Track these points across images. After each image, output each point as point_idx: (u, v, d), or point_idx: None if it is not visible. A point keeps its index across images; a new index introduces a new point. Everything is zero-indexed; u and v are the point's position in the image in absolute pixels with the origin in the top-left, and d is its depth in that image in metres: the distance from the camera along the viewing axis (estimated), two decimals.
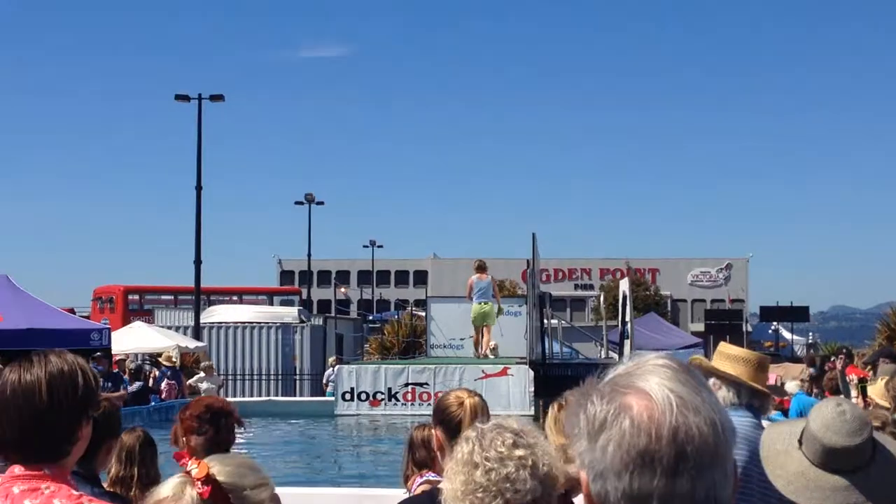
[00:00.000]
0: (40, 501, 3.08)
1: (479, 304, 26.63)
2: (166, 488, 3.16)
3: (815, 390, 17.31)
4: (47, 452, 3.20)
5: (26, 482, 3.12)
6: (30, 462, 3.16)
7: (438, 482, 5.20)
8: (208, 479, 3.10)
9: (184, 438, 5.39)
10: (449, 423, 4.57)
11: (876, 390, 12.26)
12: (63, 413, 3.20)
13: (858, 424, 3.85)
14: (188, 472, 3.14)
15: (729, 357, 4.97)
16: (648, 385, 1.78)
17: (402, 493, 5.94)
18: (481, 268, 27.07)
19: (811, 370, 21.46)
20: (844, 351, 21.73)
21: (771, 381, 23.36)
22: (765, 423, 6.07)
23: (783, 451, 3.95)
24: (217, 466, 3.18)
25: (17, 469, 3.15)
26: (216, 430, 5.11)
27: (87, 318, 45.11)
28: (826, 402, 4.08)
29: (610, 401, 1.79)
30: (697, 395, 1.78)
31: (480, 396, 4.73)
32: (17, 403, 3.17)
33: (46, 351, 3.29)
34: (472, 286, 26.95)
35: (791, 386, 18.40)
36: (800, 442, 3.92)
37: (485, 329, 26.77)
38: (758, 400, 5.19)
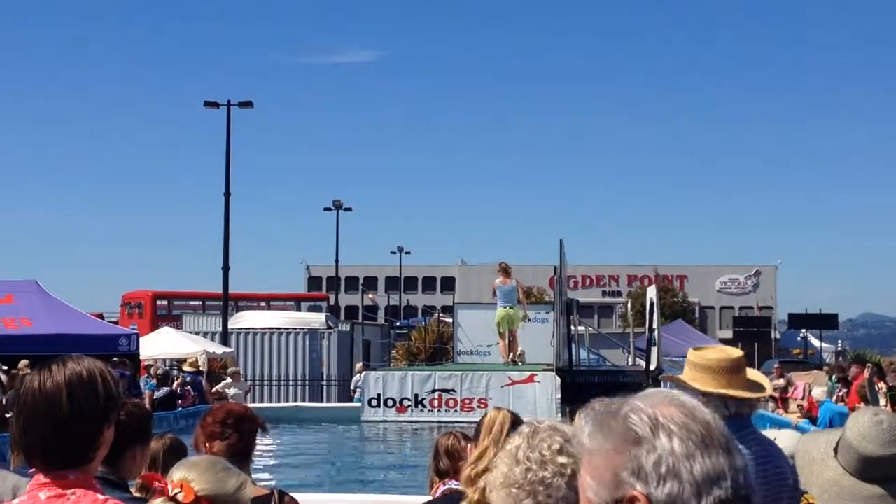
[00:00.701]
0: None
1: (504, 308, 26.38)
2: None
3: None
4: (70, 459, 3.20)
5: (52, 489, 3.12)
6: (54, 468, 3.17)
7: (460, 492, 5.24)
8: (199, 502, 3.12)
9: (207, 444, 5.40)
10: (476, 433, 4.64)
11: None
12: (85, 419, 3.19)
13: (895, 434, 3.84)
14: (172, 498, 3.15)
15: (698, 367, 4.84)
16: (666, 397, 1.87)
17: (426, 499, 5.96)
18: (505, 271, 26.71)
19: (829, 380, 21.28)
20: (873, 362, 21.64)
21: (799, 390, 23.21)
22: (791, 432, 6.03)
23: (819, 459, 3.95)
24: (195, 478, 3.20)
25: (43, 476, 3.16)
26: (239, 436, 5.11)
27: (116, 323, 45.33)
28: (863, 411, 4.07)
29: (647, 410, 1.83)
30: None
31: (514, 414, 4.79)
32: (39, 411, 3.17)
33: (65, 357, 3.29)
34: (496, 290, 26.77)
35: (818, 393, 18.34)
36: (835, 451, 3.92)
37: (511, 335, 26.48)
38: (746, 407, 5.04)
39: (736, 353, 4.91)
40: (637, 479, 1.79)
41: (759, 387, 4.85)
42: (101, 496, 3.15)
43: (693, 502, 1.76)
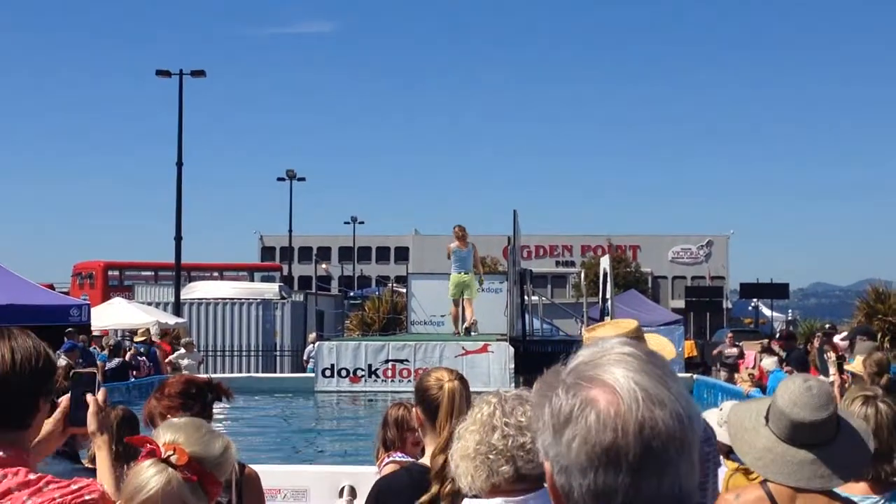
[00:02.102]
0: None
1: (459, 274, 25.66)
2: (149, 481, 3.07)
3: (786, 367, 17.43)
4: (10, 419, 3.16)
5: None
6: None
7: (405, 462, 5.21)
8: (189, 464, 3.08)
9: (168, 416, 5.32)
10: (429, 404, 4.60)
11: (855, 367, 12.33)
12: (24, 378, 3.15)
13: (825, 399, 3.92)
14: (165, 460, 3.10)
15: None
16: (614, 377, 1.75)
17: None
18: (460, 235, 25.78)
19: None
20: (826, 327, 21.83)
21: (750, 359, 23.38)
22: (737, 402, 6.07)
23: (751, 428, 4.01)
24: (183, 441, 3.16)
25: None
26: (202, 406, 5.04)
27: (67, 294, 45.00)
28: (793, 378, 4.14)
29: (575, 394, 1.76)
30: (663, 387, 1.75)
31: (461, 378, 4.73)
32: None
33: (10, 327, 3.27)
34: (451, 254, 25.94)
35: (769, 363, 18.49)
36: (766, 419, 3.97)
37: (465, 303, 25.82)
38: None
39: (627, 327, 4.89)
40: (546, 457, 1.81)
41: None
42: (33, 475, 3.09)
43: None
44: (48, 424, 3.49)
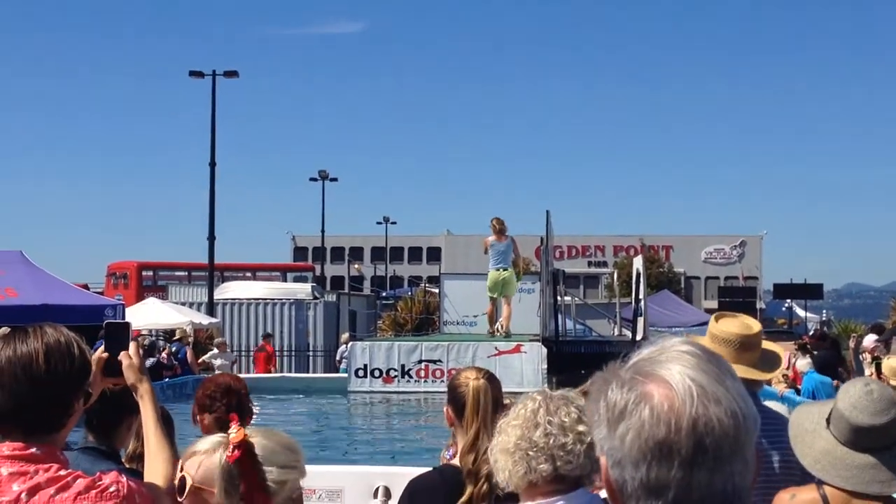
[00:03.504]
0: (28, 487, 3.05)
1: (497, 270, 24.70)
2: (204, 444, 3.22)
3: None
4: (44, 424, 3.17)
5: (15, 464, 3.08)
6: (27, 434, 3.14)
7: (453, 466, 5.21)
8: (240, 445, 3.12)
9: (199, 416, 5.37)
10: (456, 402, 4.63)
11: (889, 369, 12.24)
12: (60, 383, 3.18)
13: (886, 404, 3.89)
14: (228, 434, 3.17)
15: (716, 339, 4.79)
16: (670, 373, 1.76)
17: (415, 471, 5.95)
18: (498, 228, 24.53)
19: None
20: (868, 328, 21.70)
21: (784, 360, 23.40)
22: (774, 403, 6.04)
23: (811, 430, 4.00)
24: (257, 439, 3.20)
25: (6, 449, 3.12)
26: (226, 408, 5.07)
27: (101, 294, 45.24)
28: (854, 381, 4.12)
29: (630, 388, 1.77)
30: (720, 385, 1.76)
31: (491, 377, 4.73)
32: (15, 373, 3.15)
33: (41, 323, 3.27)
34: (488, 249, 24.86)
35: (802, 364, 18.38)
36: (827, 421, 3.95)
37: (503, 300, 25.17)
38: (755, 384, 4.96)
39: (751, 329, 4.82)
40: (601, 451, 1.82)
41: (770, 364, 4.82)
42: (64, 471, 3.12)
43: (631, 502, 1.77)
44: None
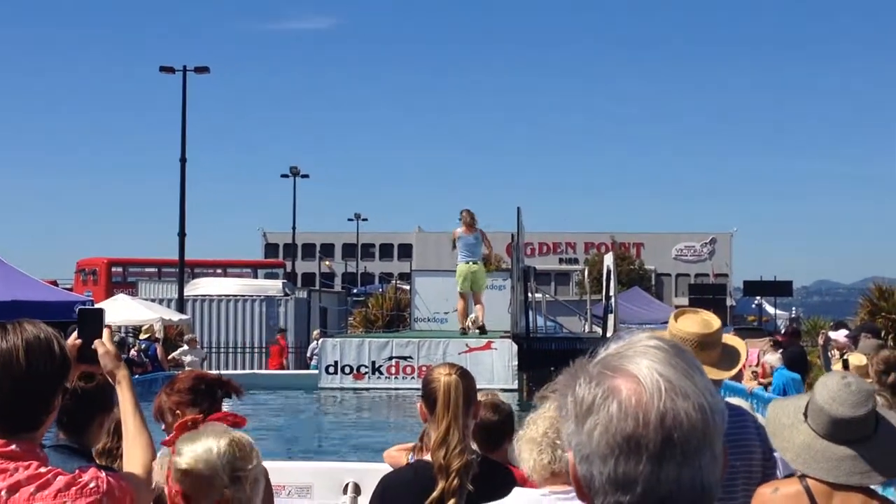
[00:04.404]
0: (7, 484, 3.05)
1: (467, 263, 24.45)
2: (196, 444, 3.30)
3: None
4: (24, 421, 3.17)
5: None
6: (7, 431, 3.13)
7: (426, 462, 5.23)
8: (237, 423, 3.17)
9: (178, 412, 5.31)
10: (429, 397, 4.64)
11: (856, 365, 12.32)
12: (41, 379, 3.17)
13: (864, 396, 3.97)
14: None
15: (673, 337, 4.79)
16: (638, 368, 1.76)
17: (384, 467, 5.96)
18: (468, 220, 24.26)
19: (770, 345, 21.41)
20: (831, 325, 21.80)
21: (753, 357, 23.45)
22: (742, 400, 6.08)
23: (789, 425, 4.05)
24: (198, 464, 3.23)
25: None
26: (211, 402, 5.03)
27: (70, 290, 45.01)
28: (831, 374, 4.19)
29: (598, 383, 1.77)
30: (687, 379, 1.76)
31: (464, 373, 4.73)
32: None
33: (20, 319, 3.27)
34: (456, 241, 24.60)
35: (773, 359, 18.46)
36: (805, 415, 4.00)
37: (474, 296, 25.02)
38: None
39: (710, 326, 4.79)
40: (568, 446, 1.81)
41: (730, 361, 4.82)
42: (44, 468, 3.12)
43: (598, 499, 1.77)
44: None
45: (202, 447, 3.31)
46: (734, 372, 4.85)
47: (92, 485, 3.09)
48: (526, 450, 3.50)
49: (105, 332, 3.61)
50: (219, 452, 3.29)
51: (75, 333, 3.56)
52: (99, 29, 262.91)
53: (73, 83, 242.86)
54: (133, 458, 3.43)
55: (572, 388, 1.81)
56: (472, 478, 4.39)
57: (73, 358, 3.46)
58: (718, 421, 1.77)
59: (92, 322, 3.62)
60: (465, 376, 4.70)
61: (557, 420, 3.43)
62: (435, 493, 4.36)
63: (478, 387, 4.81)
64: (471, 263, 24.51)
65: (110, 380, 3.61)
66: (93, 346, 3.53)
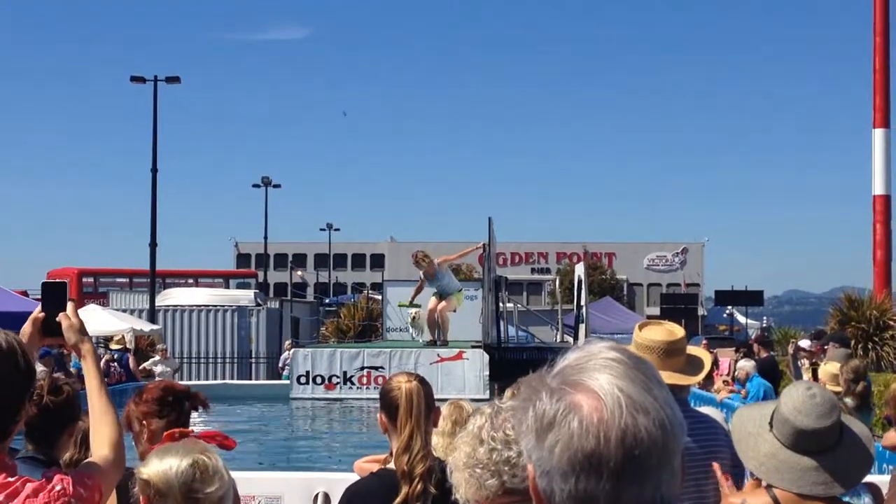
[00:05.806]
0: None
1: (460, 291, 24.90)
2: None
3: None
4: None
5: None
6: None
7: (391, 471, 5.25)
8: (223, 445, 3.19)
9: (144, 422, 5.30)
10: (389, 406, 4.67)
11: (826, 374, 12.38)
12: (7, 387, 3.15)
13: (828, 407, 3.96)
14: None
15: (640, 347, 4.83)
16: (598, 384, 1.75)
17: (355, 477, 5.95)
18: (427, 262, 24.00)
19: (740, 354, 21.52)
20: (811, 333, 21.94)
21: (724, 366, 23.51)
22: (714, 410, 6.10)
23: (754, 433, 4.05)
24: (171, 462, 3.24)
25: None
26: (178, 413, 5.03)
27: (41, 300, 44.79)
28: (796, 385, 4.18)
29: (559, 399, 1.76)
30: (647, 394, 1.75)
31: (421, 380, 4.79)
32: None
33: None
34: (437, 276, 24.19)
35: (747, 366, 18.53)
36: (770, 424, 4.00)
37: (443, 310, 24.68)
38: (682, 390, 4.96)
39: (674, 335, 4.84)
40: (528, 460, 1.82)
41: (694, 368, 4.86)
42: (12, 477, 3.11)
43: None
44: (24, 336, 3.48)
45: (165, 464, 3.33)
46: (700, 377, 4.90)
47: (59, 487, 3.09)
48: (455, 476, 3.38)
49: (69, 305, 3.60)
50: (177, 472, 3.30)
51: (39, 307, 3.55)
52: (69, 39, 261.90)
53: (43, 92, 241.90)
54: (100, 436, 3.42)
55: (533, 402, 1.80)
56: (435, 482, 4.42)
57: (36, 331, 3.46)
58: (678, 434, 1.77)
59: (56, 295, 3.60)
60: (424, 383, 4.78)
61: (474, 444, 3.36)
62: (399, 499, 4.39)
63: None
64: (460, 291, 24.93)
65: (75, 353, 3.60)
66: (57, 319, 3.52)
